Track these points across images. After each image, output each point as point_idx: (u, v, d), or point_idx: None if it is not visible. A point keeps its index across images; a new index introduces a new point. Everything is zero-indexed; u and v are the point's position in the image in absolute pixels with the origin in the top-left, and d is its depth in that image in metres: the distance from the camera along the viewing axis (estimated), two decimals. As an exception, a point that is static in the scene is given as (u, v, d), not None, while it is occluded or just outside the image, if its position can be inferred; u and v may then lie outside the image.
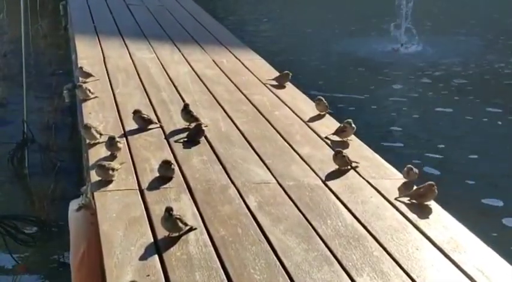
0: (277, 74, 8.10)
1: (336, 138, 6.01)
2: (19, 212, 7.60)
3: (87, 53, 8.85)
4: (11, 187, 8.66)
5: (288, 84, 7.84)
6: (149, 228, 4.27)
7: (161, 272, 3.80)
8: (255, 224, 4.41)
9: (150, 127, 6.06)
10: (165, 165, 5.02)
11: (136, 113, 6.10)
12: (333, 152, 5.46)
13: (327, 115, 6.70)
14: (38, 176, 8.70)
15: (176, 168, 5.13)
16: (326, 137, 6.06)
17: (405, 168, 5.17)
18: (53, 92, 11.29)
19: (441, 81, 13.57)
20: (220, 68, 8.56)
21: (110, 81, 7.63)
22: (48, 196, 7.87)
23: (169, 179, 4.99)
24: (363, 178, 5.22)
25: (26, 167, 9.05)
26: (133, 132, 5.98)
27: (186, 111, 6.19)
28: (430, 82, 13.44)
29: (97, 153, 5.44)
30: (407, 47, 16.05)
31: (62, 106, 10.45)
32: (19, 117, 9.69)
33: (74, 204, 5.07)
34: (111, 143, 5.37)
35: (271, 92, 7.55)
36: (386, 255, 4.10)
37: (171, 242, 4.12)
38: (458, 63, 14.86)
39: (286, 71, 7.94)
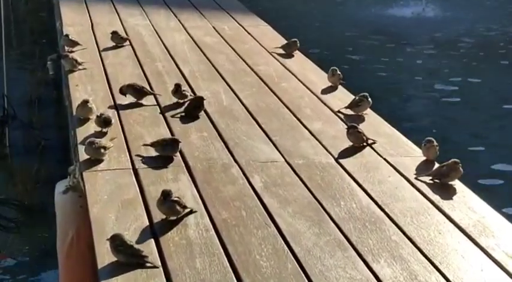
0: (284, 41, 8.09)
1: (350, 112, 6.02)
2: (0, 196, 7.65)
3: (73, 19, 8.86)
4: (-10, 168, 8.72)
5: (297, 53, 7.83)
6: (144, 211, 4.30)
7: (158, 258, 3.83)
8: (261, 206, 4.44)
9: (143, 102, 6.07)
10: (174, 144, 5.04)
11: (129, 87, 6.11)
12: (347, 128, 5.47)
13: (340, 87, 6.71)
14: (20, 155, 8.75)
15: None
16: (339, 111, 6.07)
17: (424, 142, 5.17)
18: (36, 63, 11.30)
19: (464, 47, 13.54)
20: (221, 35, 8.55)
21: (99, 50, 7.64)
22: (31, 178, 7.92)
23: (167, 157, 5.01)
24: (380, 156, 5.24)
25: (6, 146, 9.09)
26: (126, 106, 6.00)
27: (180, 92, 6.11)
28: (453, 48, 13.40)
29: (86, 130, 5.46)
30: (428, 11, 15.99)
31: (46, 79, 10.45)
32: (-1, 91, 9.71)
33: (60, 186, 5.11)
34: (101, 118, 5.40)
35: (278, 61, 7.55)
36: (406, 239, 4.13)
37: (168, 226, 4.14)
38: (482, 28, 14.80)
39: (294, 39, 7.94)
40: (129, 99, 6.10)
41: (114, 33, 7.84)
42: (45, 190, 7.31)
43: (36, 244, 7.07)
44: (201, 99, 5.98)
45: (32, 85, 10.60)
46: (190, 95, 6.12)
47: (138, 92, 6.10)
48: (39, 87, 10.56)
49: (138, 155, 5.06)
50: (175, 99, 6.13)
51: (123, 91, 6.10)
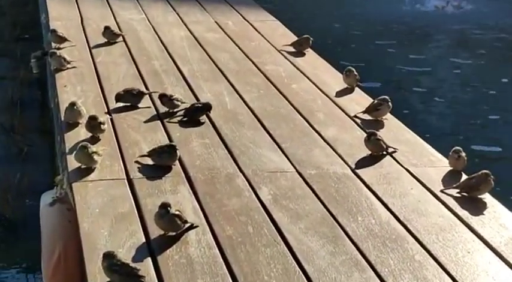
0: (295, 38, 8.11)
1: (368, 117, 6.04)
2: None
3: (61, 12, 8.90)
4: (-33, 177, 8.72)
5: (309, 51, 7.86)
6: (140, 227, 4.32)
7: (156, 279, 3.85)
8: (270, 222, 4.45)
9: (139, 105, 6.09)
10: (170, 150, 5.06)
11: (127, 93, 6.11)
12: (365, 134, 5.49)
13: (357, 89, 6.73)
14: (0, 163, 8.75)
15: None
16: (356, 116, 6.09)
17: (452, 153, 5.19)
18: (18, 61, 11.31)
19: (495, 46, 13.54)
20: (224, 31, 8.59)
21: (89, 47, 7.68)
22: (13, 188, 7.92)
23: (165, 167, 5.03)
24: (402, 166, 5.26)
25: (-15, 153, 9.10)
26: (119, 109, 6.02)
27: (169, 100, 6.03)
28: (482, 47, 13.40)
29: (75, 136, 5.48)
30: (454, 4, 16.00)
31: (29, 78, 10.47)
32: (-23, 92, 9.75)
33: (46, 198, 5.13)
34: (93, 123, 5.41)
35: (288, 60, 7.58)
36: (431, 259, 4.14)
37: (167, 242, 4.16)
38: (511, 23, 14.79)
39: (305, 35, 7.96)
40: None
41: (107, 29, 7.86)
42: (28, 202, 7.34)
43: (18, 262, 7.08)
44: (208, 106, 5.96)
45: (13, 85, 10.61)
46: (182, 102, 6.05)
47: (136, 96, 6.12)
48: (21, 88, 10.57)
49: (136, 162, 5.09)
50: (174, 102, 6.15)
51: (118, 99, 6.09)
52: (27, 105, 10.11)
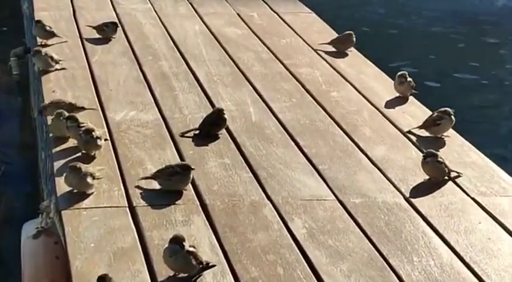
0: (335, 35, 8.13)
1: (425, 133, 6.04)
2: None
3: (48, 1, 8.91)
4: None
5: (352, 51, 7.87)
6: (145, 265, 4.31)
7: (164, 330, 3.88)
8: (304, 262, 4.44)
9: (142, 116, 6.12)
10: (182, 171, 5.06)
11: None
12: (422, 155, 5.48)
13: (412, 98, 6.73)
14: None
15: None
16: (410, 132, 6.08)
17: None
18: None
19: None
20: (248, 25, 8.62)
21: (83, 44, 7.71)
22: (-12, 216, 7.97)
23: (175, 192, 5.04)
24: (467, 194, 5.24)
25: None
26: (120, 121, 6.04)
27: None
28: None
29: (64, 152, 5.50)
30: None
31: (7, 81, 10.55)
32: None
33: (29, 228, 5.15)
34: (87, 137, 5.41)
35: (326, 62, 7.59)
36: (505, 311, 4.14)
37: (178, 286, 4.18)
38: None
39: (348, 31, 7.96)
40: (125, 111, 6.14)
41: (110, 25, 7.87)
42: (6, 232, 7.36)
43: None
44: (220, 112, 5.99)
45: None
46: None
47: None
48: (-2, 92, 10.66)
49: (137, 187, 5.09)
50: (187, 113, 6.18)
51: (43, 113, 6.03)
52: (4, 115, 10.17)
